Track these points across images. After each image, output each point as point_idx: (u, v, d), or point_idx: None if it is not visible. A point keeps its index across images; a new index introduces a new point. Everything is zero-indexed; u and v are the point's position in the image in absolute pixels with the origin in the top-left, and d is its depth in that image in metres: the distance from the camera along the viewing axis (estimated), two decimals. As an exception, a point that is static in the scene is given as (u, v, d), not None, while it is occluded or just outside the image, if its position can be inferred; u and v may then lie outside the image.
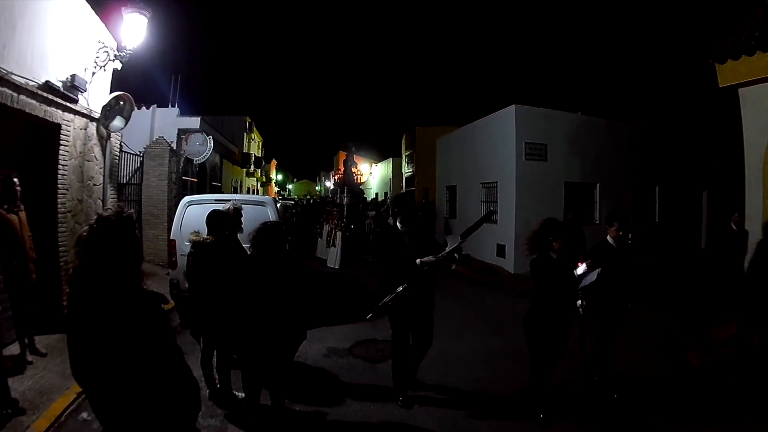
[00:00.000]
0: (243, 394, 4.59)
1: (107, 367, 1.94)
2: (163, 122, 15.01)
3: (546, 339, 4.38)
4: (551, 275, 4.34)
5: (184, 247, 7.31)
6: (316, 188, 76.47)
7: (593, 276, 4.52)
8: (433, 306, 4.92)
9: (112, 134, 7.80)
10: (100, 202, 7.59)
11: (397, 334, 4.87)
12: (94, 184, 7.47)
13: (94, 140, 7.44)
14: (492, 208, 4.00)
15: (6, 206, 5.13)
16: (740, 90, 6.92)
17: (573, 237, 4.92)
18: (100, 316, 1.94)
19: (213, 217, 4.93)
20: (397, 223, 4.97)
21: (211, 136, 15.43)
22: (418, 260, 4.59)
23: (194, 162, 15.27)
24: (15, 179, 5.25)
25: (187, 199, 8.07)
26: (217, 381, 4.93)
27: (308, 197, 43.49)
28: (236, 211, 5.57)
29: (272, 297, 3.86)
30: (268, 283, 3.89)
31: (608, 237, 5.12)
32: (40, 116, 5.92)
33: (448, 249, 4.63)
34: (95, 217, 2.13)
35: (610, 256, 4.94)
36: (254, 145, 33.58)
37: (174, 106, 16.35)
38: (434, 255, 4.63)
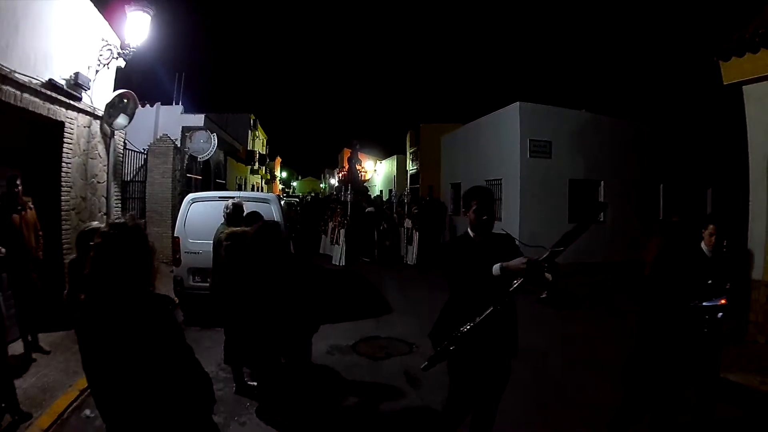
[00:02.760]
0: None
1: (122, 370, 1.96)
2: (167, 120, 15.05)
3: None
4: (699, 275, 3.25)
5: (188, 244, 7.37)
6: (321, 185, 76.53)
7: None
8: (516, 351, 3.32)
9: (115, 132, 7.82)
10: (103, 199, 7.63)
11: (457, 396, 3.33)
12: (98, 182, 7.50)
13: (98, 138, 7.47)
14: (603, 200, 3.05)
15: (10, 206, 5.18)
16: (744, 87, 6.87)
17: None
18: (113, 321, 1.97)
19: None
20: (469, 231, 3.30)
21: (215, 134, 15.43)
22: (497, 266, 2.87)
23: (198, 159, 15.27)
24: (17, 180, 5.28)
25: (191, 196, 8.10)
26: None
27: (311, 194, 43.51)
28: (237, 208, 5.67)
29: (271, 291, 4.14)
30: (267, 278, 4.15)
31: (702, 244, 4.06)
32: (44, 114, 5.95)
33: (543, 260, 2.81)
34: (109, 224, 2.16)
35: (705, 269, 3.92)
36: (259, 143, 33.56)
37: (178, 104, 16.41)
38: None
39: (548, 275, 2.81)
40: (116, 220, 2.17)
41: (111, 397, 2.03)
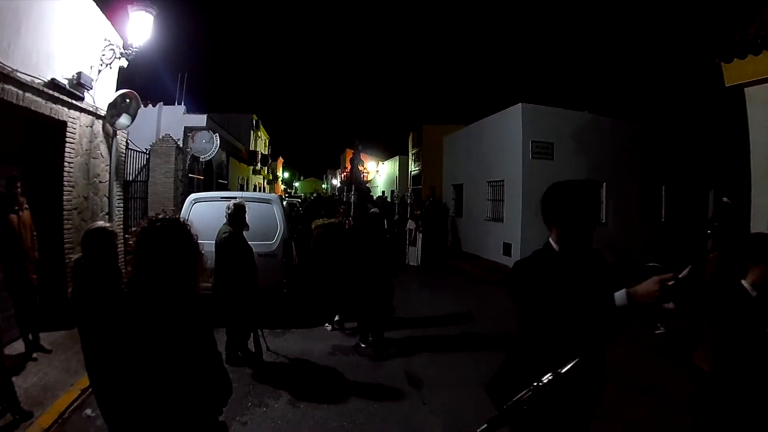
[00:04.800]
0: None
1: (147, 367, 1.92)
2: (170, 120, 15.06)
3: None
4: (741, 321, 2.71)
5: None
6: (323, 186, 76.56)
7: None
8: (603, 397, 2.52)
9: (118, 132, 7.83)
10: (106, 199, 7.64)
11: None
12: (100, 182, 7.51)
13: (100, 138, 7.48)
14: (725, 199, 2.54)
15: (8, 206, 5.20)
16: (746, 89, 6.87)
17: None
18: (153, 317, 1.92)
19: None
20: (552, 242, 2.43)
21: (217, 134, 15.42)
22: (621, 294, 1.96)
23: (200, 159, 15.26)
24: (17, 181, 5.29)
25: (193, 196, 8.11)
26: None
27: (314, 194, 43.45)
28: (239, 208, 5.67)
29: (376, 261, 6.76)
30: (373, 253, 6.82)
31: None
32: (46, 114, 5.96)
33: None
34: (149, 218, 2.10)
35: None
36: (261, 143, 33.56)
37: (180, 104, 16.40)
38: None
39: (670, 305, 1.95)
40: (158, 215, 2.12)
41: (123, 394, 1.99)
